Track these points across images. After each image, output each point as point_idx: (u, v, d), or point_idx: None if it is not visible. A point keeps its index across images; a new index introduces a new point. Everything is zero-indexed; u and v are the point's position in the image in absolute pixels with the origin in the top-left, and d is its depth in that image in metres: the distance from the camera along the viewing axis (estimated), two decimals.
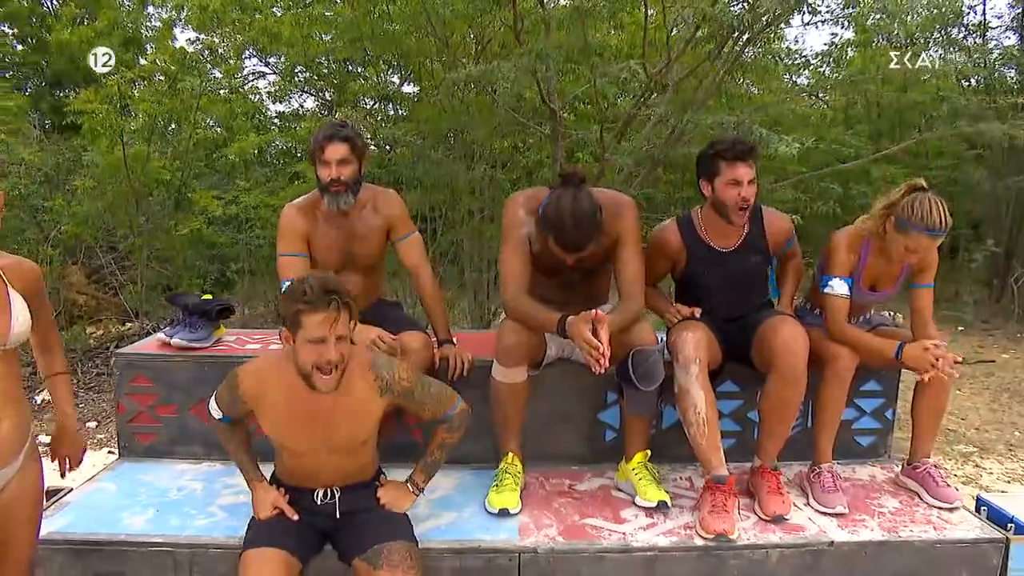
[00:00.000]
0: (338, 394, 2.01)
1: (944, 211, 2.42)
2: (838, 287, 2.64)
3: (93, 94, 6.15)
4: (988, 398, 5.28)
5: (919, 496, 2.67)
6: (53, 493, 2.61)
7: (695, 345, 2.53)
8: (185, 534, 2.35)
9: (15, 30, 8.72)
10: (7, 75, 8.02)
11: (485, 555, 2.30)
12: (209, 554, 2.29)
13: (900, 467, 2.83)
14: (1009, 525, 2.47)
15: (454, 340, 2.85)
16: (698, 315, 2.71)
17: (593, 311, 2.33)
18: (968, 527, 2.47)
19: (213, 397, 2.20)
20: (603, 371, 2.29)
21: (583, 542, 2.34)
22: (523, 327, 2.51)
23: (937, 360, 2.45)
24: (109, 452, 4.20)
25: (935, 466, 2.71)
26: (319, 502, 2.16)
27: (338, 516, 2.17)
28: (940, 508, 2.58)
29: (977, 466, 4.10)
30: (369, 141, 6.33)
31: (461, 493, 2.66)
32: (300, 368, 1.97)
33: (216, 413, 2.19)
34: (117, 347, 3.33)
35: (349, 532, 2.14)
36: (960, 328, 7.13)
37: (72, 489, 2.67)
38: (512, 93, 5.18)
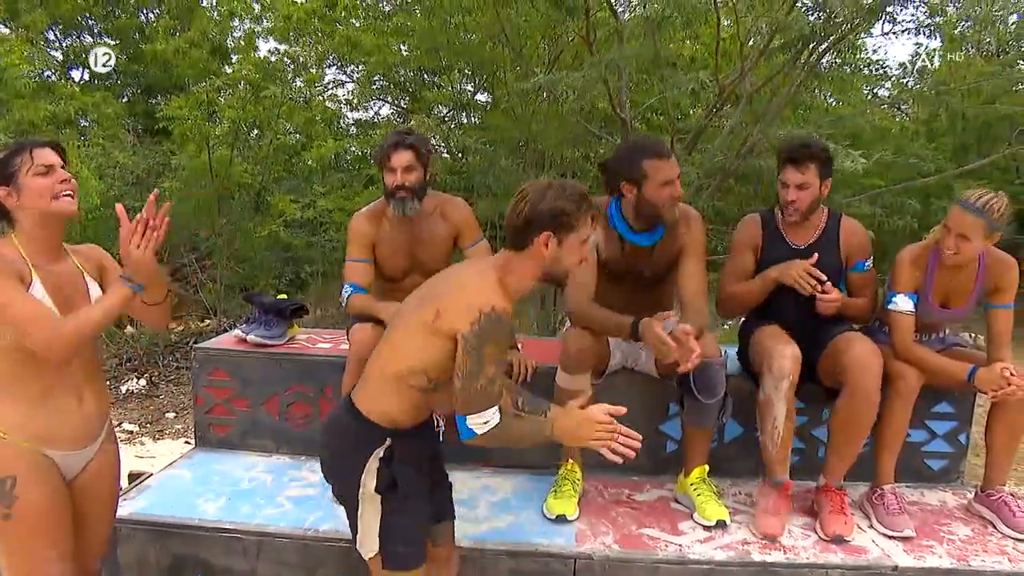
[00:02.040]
0: None
1: (991, 198, 2.37)
2: (902, 303, 2.58)
3: (183, 101, 6.48)
4: None
5: (993, 525, 2.57)
6: (135, 477, 2.76)
7: (794, 360, 2.49)
8: (254, 522, 2.46)
9: (117, 42, 9.23)
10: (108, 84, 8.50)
11: (541, 559, 2.32)
12: (275, 543, 2.39)
13: (973, 494, 2.72)
14: None
15: (518, 346, 2.89)
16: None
17: (667, 313, 2.36)
18: None
19: None
20: (692, 367, 2.28)
21: (639, 552, 2.35)
22: (588, 334, 2.53)
23: (1009, 380, 2.37)
24: (186, 442, 4.40)
25: (1012, 494, 2.60)
26: (439, 428, 2.10)
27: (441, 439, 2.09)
28: (1016, 539, 2.47)
29: None
30: (441, 148, 6.46)
31: (520, 497, 2.69)
32: None
33: None
34: (196, 342, 3.49)
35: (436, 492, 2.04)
36: None
37: (152, 474, 2.82)
38: (580, 102, 5.20)
